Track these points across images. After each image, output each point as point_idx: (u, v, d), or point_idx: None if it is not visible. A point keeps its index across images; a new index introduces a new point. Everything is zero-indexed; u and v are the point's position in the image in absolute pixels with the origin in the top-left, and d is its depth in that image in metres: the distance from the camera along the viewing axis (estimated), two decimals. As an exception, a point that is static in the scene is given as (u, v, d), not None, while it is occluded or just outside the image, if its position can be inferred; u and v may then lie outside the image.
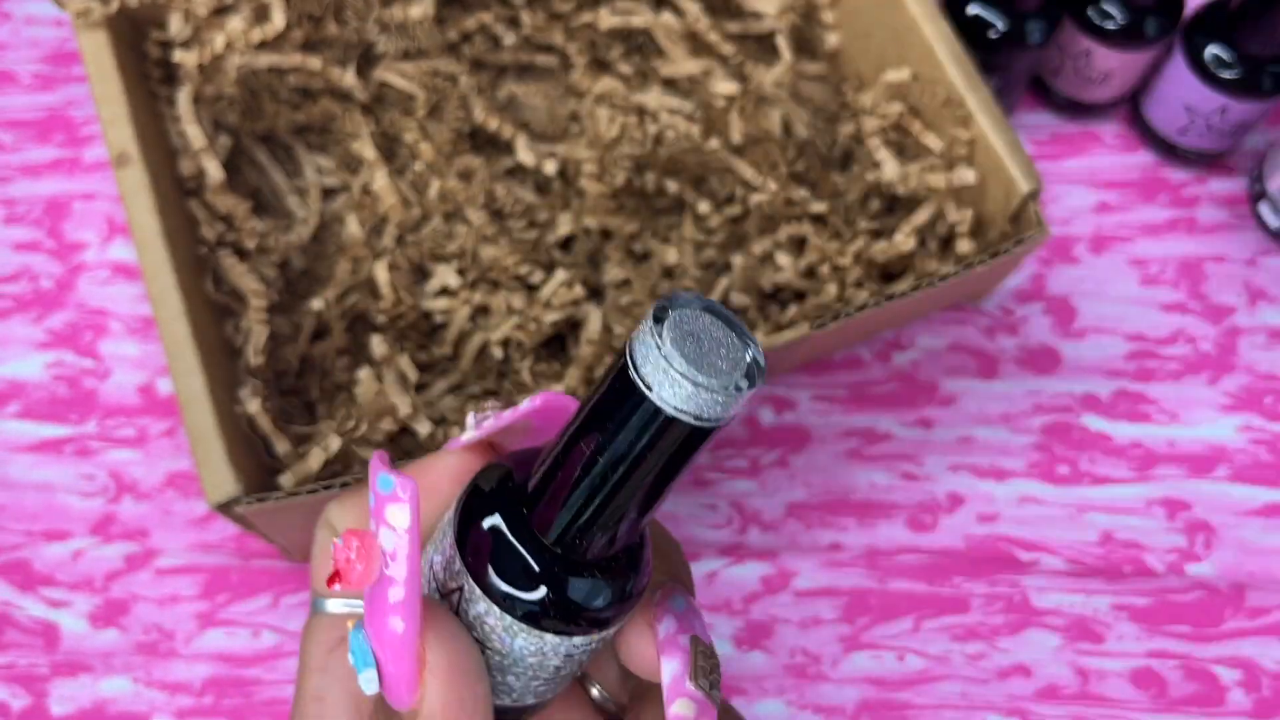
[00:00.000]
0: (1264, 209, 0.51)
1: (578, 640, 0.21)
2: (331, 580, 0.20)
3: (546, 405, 0.22)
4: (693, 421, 0.17)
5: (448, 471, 0.23)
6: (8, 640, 0.42)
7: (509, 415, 0.22)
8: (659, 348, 0.17)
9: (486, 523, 0.20)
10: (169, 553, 0.43)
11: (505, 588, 0.20)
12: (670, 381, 0.17)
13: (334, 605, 0.24)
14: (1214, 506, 0.46)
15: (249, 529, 0.37)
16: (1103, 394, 0.48)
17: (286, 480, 0.38)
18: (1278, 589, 0.45)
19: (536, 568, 0.20)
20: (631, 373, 0.17)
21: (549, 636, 0.20)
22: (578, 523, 0.20)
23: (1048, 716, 0.42)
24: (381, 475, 0.19)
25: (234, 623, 0.42)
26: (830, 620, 0.43)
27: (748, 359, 0.18)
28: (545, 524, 0.20)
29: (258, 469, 0.38)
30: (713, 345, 0.17)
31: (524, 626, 0.20)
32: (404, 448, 0.42)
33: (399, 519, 0.19)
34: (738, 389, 0.17)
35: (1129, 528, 0.46)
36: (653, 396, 0.17)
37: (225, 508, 0.34)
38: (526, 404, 0.22)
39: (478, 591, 0.20)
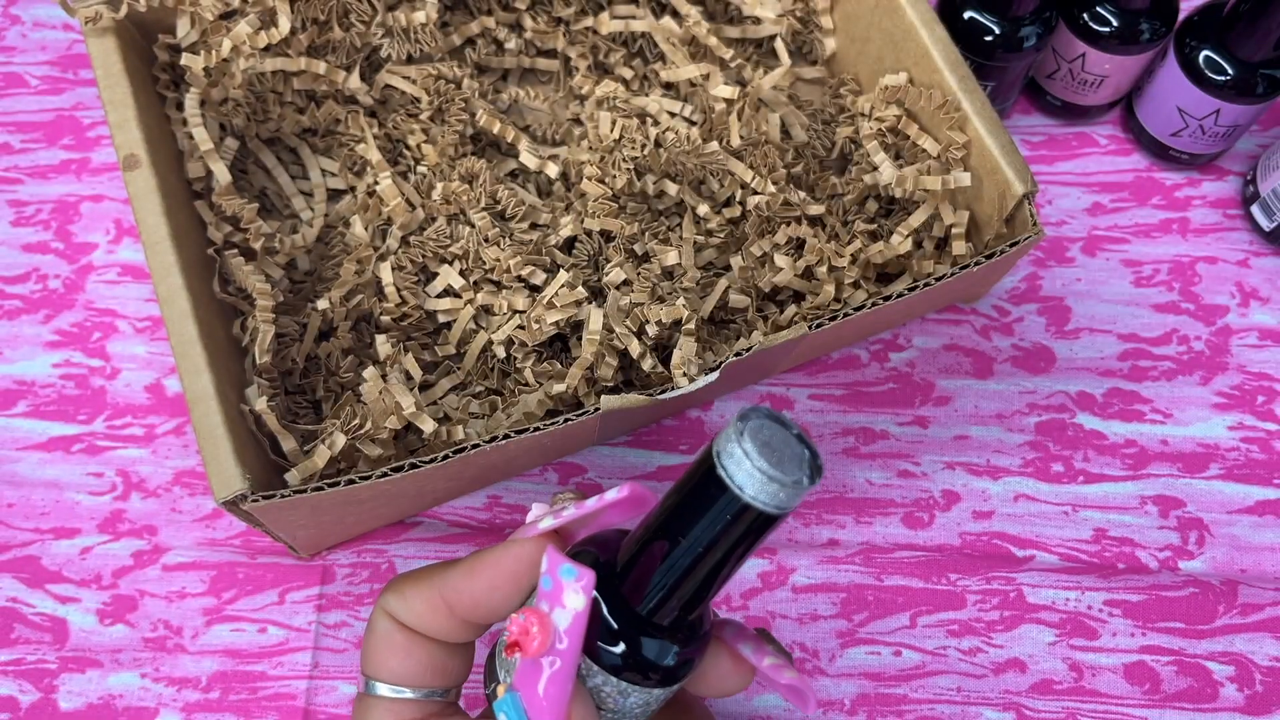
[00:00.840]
0: (1257, 211, 0.52)
1: (674, 686, 0.25)
2: (511, 650, 0.23)
3: (633, 495, 0.25)
4: (767, 509, 0.21)
5: (527, 558, 0.25)
6: (17, 636, 0.42)
7: (593, 504, 0.25)
8: (742, 449, 0.21)
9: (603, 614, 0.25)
10: (176, 549, 0.44)
11: (620, 660, 0.24)
12: (750, 477, 0.21)
13: (383, 689, 0.27)
14: (1206, 504, 0.47)
15: (256, 526, 0.37)
16: (1097, 393, 0.49)
17: (293, 477, 0.38)
18: (1270, 586, 0.45)
19: (648, 636, 0.24)
20: (719, 471, 0.21)
21: (655, 690, 0.25)
22: (676, 593, 0.24)
23: (1042, 711, 0.43)
24: (565, 565, 0.23)
25: (241, 619, 0.43)
26: (828, 616, 0.44)
27: (807, 457, 0.22)
28: (640, 597, 0.24)
29: (264, 467, 0.38)
30: (781, 448, 0.22)
31: (635, 687, 0.25)
32: (408, 446, 0.42)
33: (575, 602, 0.23)
34: (802, 483, 0.21)
35: (1123, 525, 0.46)
36: (736, 490, 0.21)
37: (232, 505, 0.35)
38: (614, 493, 0.25)
39: (595, 667, 0.24)
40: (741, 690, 0.28)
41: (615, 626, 0.24)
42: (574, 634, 0.23)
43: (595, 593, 0.24)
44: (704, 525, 0.22)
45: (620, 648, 0.24)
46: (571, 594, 0.23)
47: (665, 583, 0.24)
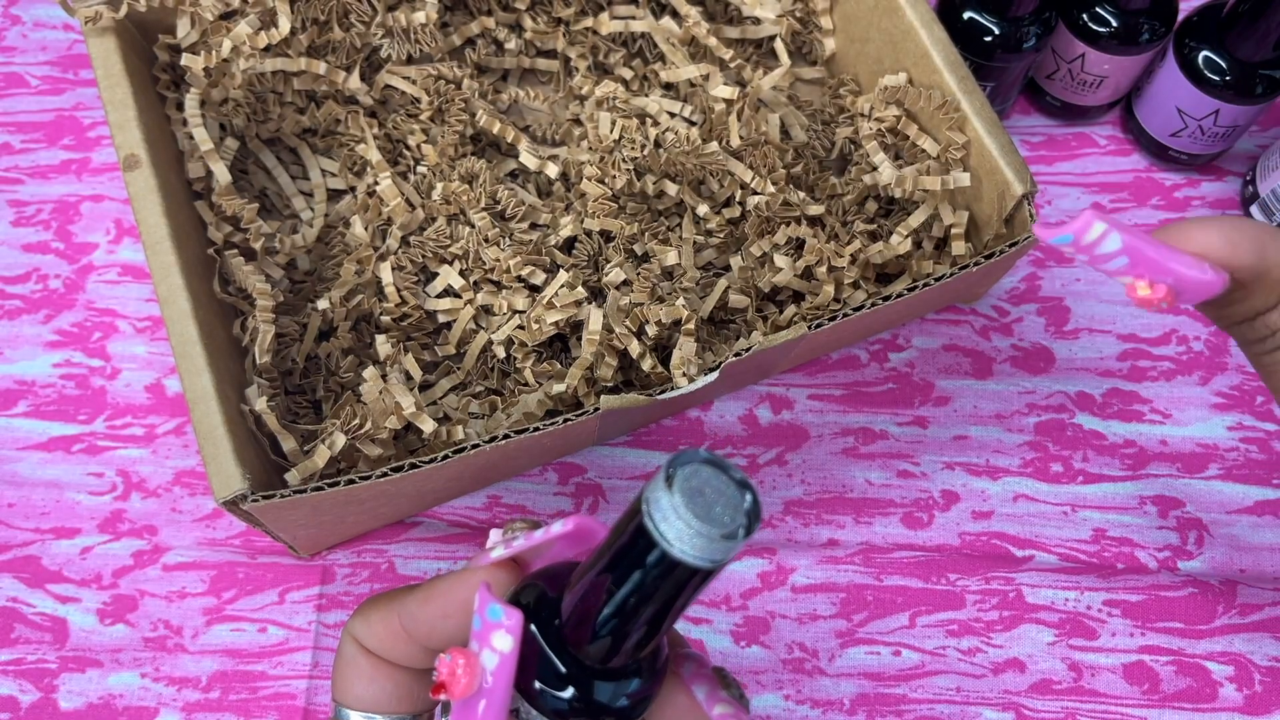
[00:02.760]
0: (1256, 212, 0.52)
1: None
2: (437, 690, 0.22)
3: (578, 529, 0.24)
4: (699, 563, 0.20)
5: (477, 587, 0.25)
6: (17, 635, 0.42)
7: (540, 535, 0.25)
8: (670, 503, 0.20)
9: (549, 666, 0.24)
10: (177, 549, 0.44)
11: (566, 706, 0.23)
12: (678, 532, 0.20)
13: (353, 716, 0.27)
14: (1206, 504, 0.47)
15: (256, 526, 0.37)
16: (1096, 393, 0.49)
17: (293, 477, 0.38)
18: (1269, 586, 0.45)
19: (594, 679, 0.23)
20: (648, 523, 0.20)
21: None
22: (617, 638, 0.23)
23: (1041, 711, 0.43)
24: (492, 605, 0.23)
25: (241, 618, 0.43)
26: (827, 616, 0.44)
27: (746, 505, 0.20)
28: (579, 643, 0.23)
29: (264, 466, 0.38)
30: (715, 496, 0.20)
31: None
32: (408, 446, 0.42)
33: (503, 643, 0.22)
34: (735, 536, 0.20)
35: (1122, 525, 0.46)
36: (663, 544, 0.20)
37: (232, 504, 0.35)
38: (559, 527, 0.24)
39: (534, 713, 0.24)
40: None
41: (560, 669, 0.23)
42: (501, 676, 0.22)
43: (538, 633, 0.23)
44: (638, 577, 0.21)
45: (569, 692, 0.23)
46: (499, 635, 0.22)
47: (606, 628, 0.23)
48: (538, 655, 0.23)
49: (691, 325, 0.41)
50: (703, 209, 0.46)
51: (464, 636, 0.25)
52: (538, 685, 0.23)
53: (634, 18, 0.51)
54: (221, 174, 0.44)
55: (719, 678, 0.26)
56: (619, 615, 0.22)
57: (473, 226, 0.46)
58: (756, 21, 0.53)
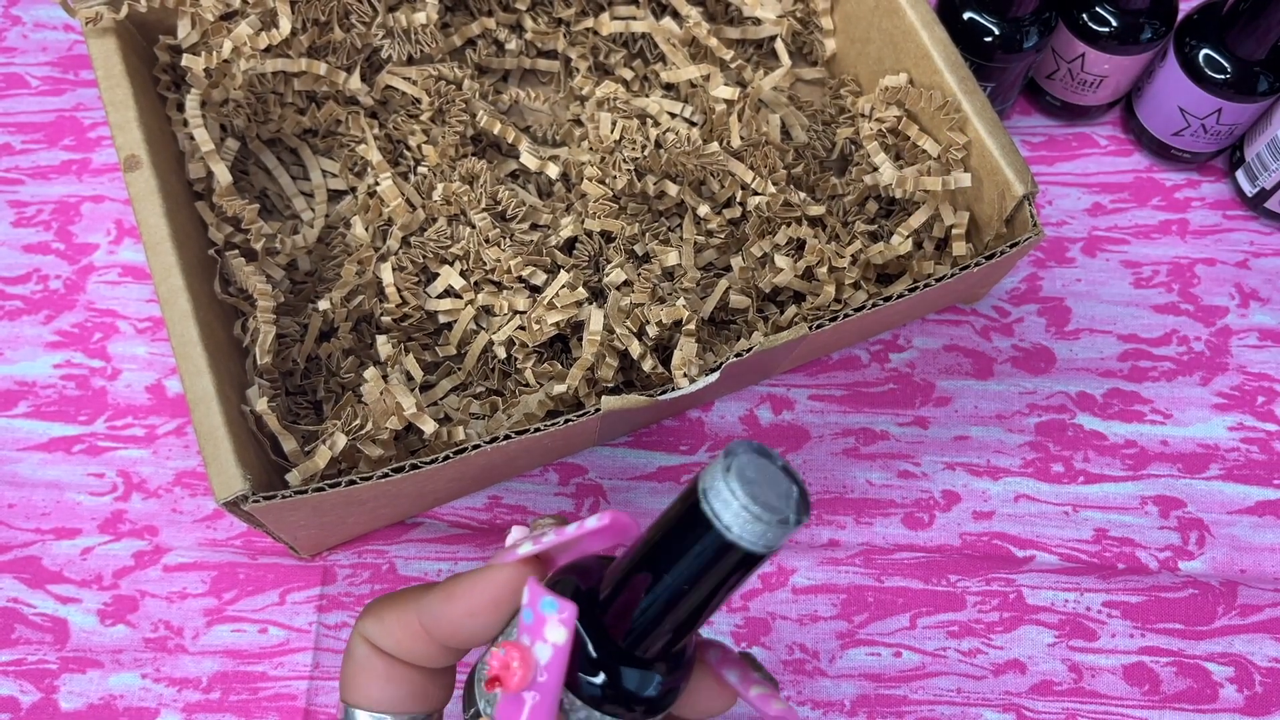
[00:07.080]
0: (1240, 176, 0.52)
1: (659, 716, 0.25)
2: (492, 684, 0.23)
3: (614, 523, 0.24)
4: (754, 548, 0.21)
5: (506, 584, 0.25)
6: (17, 636, 0.42)
7: (573, 531, 0.25)
8: (729, 487, 0.21)
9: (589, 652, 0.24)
10: (177, 550, 0.44)
11: (600, 692, 0.24)
12: (736, 517, 0.20)
13: (364, 717, 0.27)
14: (1206, 505, 0.47)
15: (257, 526, 0.37)
16: (1097, 394, 0.49)
17: (293, 478, 0.38)
18: (1269, 586, 0.45)
19: (630, 667, 0.24)
20: (705, 508, 0.21)
21: None
22: (660, 627, 0.23)
23: (1041, 712, 0.43)
24: (546, 599, 0.23)
25: (241, 619, 0.43)
26: (828, 617, 0.44)
27: (795, 495, 0.21)
28: (623, 629, 0.24)
29: (265, 467, 0.38)
30: (768, 485, 0.21)
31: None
32: (409, 447, 0.42)
33: (557, 635, 0.23)
34: (789, 521, 0.21)
35: (1123, 525, 0.46)
36: (720, 528, 0.21)
37: (233, 505, 0.35)
38: (594, 522, 0.24)
39: (578, 701, 0.24)
40: (725, 711, 0.27)
41: (596, 657, 0.24)
42: (554, 668, 0.23)
43: (577, 624, 0.24)
44: (688, 562, 0.22)
45: (601, 678, 0.24)
46: (553, 627, 0.23)
47: (649, 616, 0.23)
48: (579, 645, 0.24)
49: (692, 326, 0.41)
50: (703, 209, 0.46)
51: (489, 634, 0.25)
52: (578, 673, 0.24)
53: (634, 18, 0.51)
54: (222, 175, 0.43)
55: (747, 661, 0.27)
56: (665, 603, 0.23)
57: (473, 227, 0.46)
58: (757, 22, 0.53)
